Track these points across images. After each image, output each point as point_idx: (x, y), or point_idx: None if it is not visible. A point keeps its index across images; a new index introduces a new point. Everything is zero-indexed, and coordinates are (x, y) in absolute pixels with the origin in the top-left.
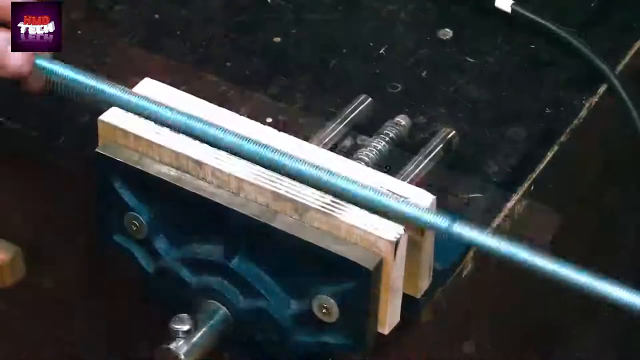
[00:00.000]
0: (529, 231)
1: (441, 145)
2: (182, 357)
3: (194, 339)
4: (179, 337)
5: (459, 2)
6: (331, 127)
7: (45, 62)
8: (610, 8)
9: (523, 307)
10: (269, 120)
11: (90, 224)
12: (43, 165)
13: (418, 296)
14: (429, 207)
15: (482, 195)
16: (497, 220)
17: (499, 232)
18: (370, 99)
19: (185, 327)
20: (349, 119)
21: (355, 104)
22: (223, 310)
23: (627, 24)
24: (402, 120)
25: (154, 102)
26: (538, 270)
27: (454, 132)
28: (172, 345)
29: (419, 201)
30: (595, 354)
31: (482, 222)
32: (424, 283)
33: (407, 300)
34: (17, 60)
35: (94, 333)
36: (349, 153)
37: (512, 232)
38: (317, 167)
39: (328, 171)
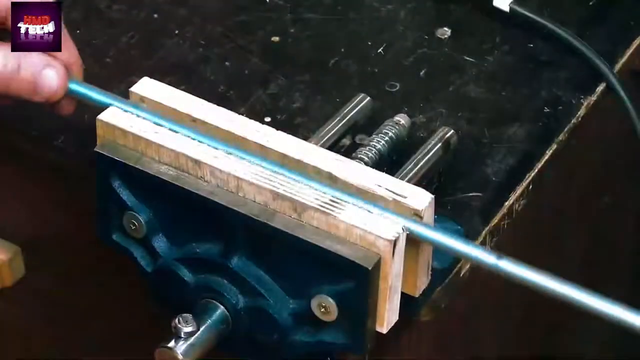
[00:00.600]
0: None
1: (440, 144)
2: (180, 357)
3: (193, 339)
4: (178, 337)
5: (458, 1)
6: (330, 126)
7: (79, 87)
8: (609, 7)
9: (522, 307)
10: (268, 119)
11: (90, 223)
12: (43, 165)
13: (417, 295)
14: (427, 206)
15: (481, 195)
16: (496, 220)
17: (497, 231)
18: (368, 98)
19: (189, 329)
20: (347, 117)
21: (354, 103)
22: (222, 309)
23: (626, 23)
24: (402, 119)
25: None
26: (588, 309)
27: (452, 131)
28: (171, 345)
29: (417, 200)
30: (595, 354)
31: (480, 221)
32: (423, 282)
33: (406, 299)
34: (52, 85)
35: (94, 333)
36: (348, 152)
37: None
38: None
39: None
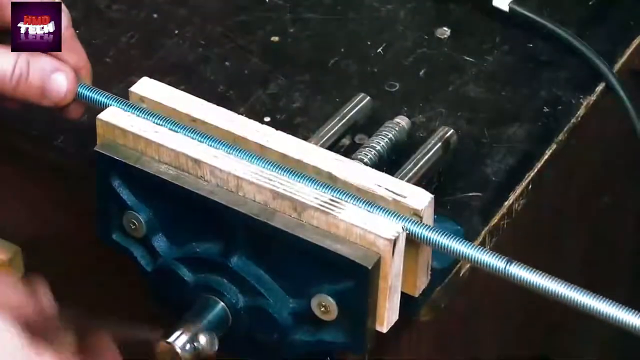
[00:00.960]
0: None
1: (440, 144)
2: (179, 351)
3: (192, 334)
4: (180, 333)
5: (457, 1)
6: (330, 126)
7: (87, 91)
8: (609, 7)
9: (522, 307)
10: (267, 119)
11: (90, 223)
12: (43, 165)
13: (416, 295)
14: (427, 205)
15: (481, 194)
16: (496, 220)
17: (497, 231)
18: (368, 98)
19: (191, 331)
20: (347, 117)
21: (354, 102)
22: (222, 308)
23: (626, 23)
24: (401, 121)
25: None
26: (598, 315)
27: (452, 130)
28: (171, 340)
29: (417, 200)
30: (595, 355)
31: (480, 221)
32: (422, 282)
33: (406, 299)
34: (61, 90)
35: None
36: (348, 152)
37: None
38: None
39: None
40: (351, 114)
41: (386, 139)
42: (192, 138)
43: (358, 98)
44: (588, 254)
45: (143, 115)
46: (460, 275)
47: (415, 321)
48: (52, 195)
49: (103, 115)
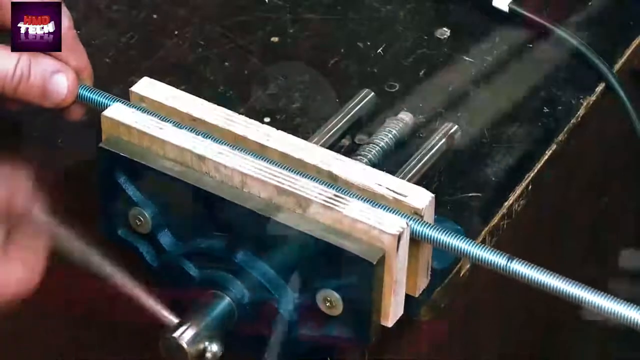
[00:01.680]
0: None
1: (444, 140)
2: (186, 346)
3: (198, 330)
4: (186, 328)
5: (457, 1)
6: (333, 122)
7: (88, 92)
8: (609, 7)
9: (522, 307)
10: (267, 119)
11: (90, 224)
12: (43, 165)
13: (416, 295)
14: (427, 205)
15: (481, 195)
16: (496, 220)
17: (497, 231)
18: (372, 94)
19: (198, 327)
20: (351, 113)
21: (358, 98)
22: (227, 303)
23: (625, 23)
24: (405, 116)
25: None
26: (599, 309)
27: (456, 126)
28: (176, 334)
29: (418, 199)
30: (595, 355)
31: (480, 221)
32: (423, 282)
33: (406, 299)
34: (62, 91)
35: (94, 333)
36: (348, 152)
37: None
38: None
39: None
40: (355, 110)
41: (390, 136)
42: (197, 134)
43: (362, 94)
44: (588, 254)
45: (147, 114)
46: (461, 275)
47: (415, 321)
48: (52, 195)
49: (108, 112)
